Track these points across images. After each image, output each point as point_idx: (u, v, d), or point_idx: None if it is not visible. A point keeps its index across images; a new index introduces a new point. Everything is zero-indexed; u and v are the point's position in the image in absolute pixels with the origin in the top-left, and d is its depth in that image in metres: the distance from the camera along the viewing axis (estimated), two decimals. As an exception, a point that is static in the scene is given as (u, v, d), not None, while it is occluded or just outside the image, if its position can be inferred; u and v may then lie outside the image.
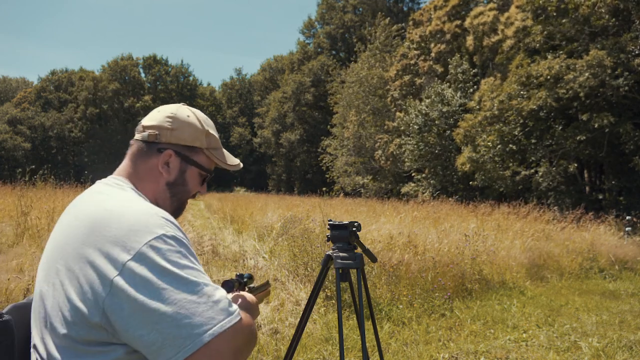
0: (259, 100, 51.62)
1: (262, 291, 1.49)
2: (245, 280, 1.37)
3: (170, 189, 1.18)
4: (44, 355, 0.97)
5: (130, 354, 0.92)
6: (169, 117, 1.18)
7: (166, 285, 0.88)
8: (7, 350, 1.03)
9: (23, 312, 1.16)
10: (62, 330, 0.93)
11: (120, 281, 0.88)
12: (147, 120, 1.20)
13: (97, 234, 0.94)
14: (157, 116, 1.19)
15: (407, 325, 4.28)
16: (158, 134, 1.16)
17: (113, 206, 1.00)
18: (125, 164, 1.19)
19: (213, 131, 1.25)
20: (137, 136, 1.19)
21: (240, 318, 0.93)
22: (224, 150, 1.31)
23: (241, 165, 1.35)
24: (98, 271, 0.91)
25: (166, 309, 0.86)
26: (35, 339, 1.01)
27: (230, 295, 1.23)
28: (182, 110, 1.22)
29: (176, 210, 1.22)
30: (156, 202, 1.15)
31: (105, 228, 0.94)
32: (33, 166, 10.52)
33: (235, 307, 0.94)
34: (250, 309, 1.20)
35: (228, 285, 1.30)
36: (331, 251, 2.03)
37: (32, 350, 1.01)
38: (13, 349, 1.03)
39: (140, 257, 0.89)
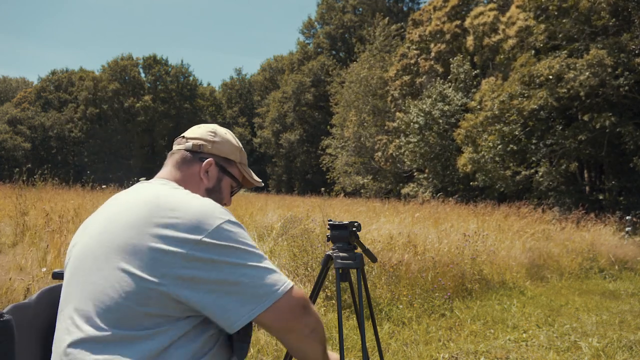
0: (259, 100, 51.62)
1: None
2: None
3: (208, 195, 1.29)
4: (85, 331, 1.00)
5: (185, 335, 1.02)
6: (210, 131, 1.36)
7: (240, 254, 1.03)
8: (7, 350, 1.03)
9: (23, 312, 1.17)
10: (119, 307, 0.99)
11: (197, 253, 0.99)
12: (190, 133, 1.36)
13: (164, 215, 1.03)
14: (199, 130, 1.36)
15: (407, 325, 4.28)
16: (202, 145, 1.32)
17: (176, 195, 1.11)
18: (168, 170, 1.31)
19: (243, 149, 1.44)
20: (180, 146, 1.34)
21: (292, 287, 1.07)
22: (249, 169, 1.48)
23: (262, 183, 1.52)
24: (170, 246, 0.99)
25: (243, 273, 1.01)
26: (70, 317, 1.04)
27: None
28: (220, 129, 1.40)
29: None
30: None
31: (173, 211, 1.04)
32: (29, 165, 10.51)
33: (286, 278, 1.09)
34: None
35: None
36: (331, 251, 2.03)
37: (59, 330, 1.06)
38: (13, 349, 1.03)
39: (215, 233, 1.02)
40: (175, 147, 1.35)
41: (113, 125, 47.93)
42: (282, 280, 1.05)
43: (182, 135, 1.37)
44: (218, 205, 1.10)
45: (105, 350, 0.98)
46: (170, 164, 1.31)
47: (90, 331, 0.99)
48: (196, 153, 1.31)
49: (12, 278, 3.74)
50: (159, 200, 1.07)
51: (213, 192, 1.32)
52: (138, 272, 0.99)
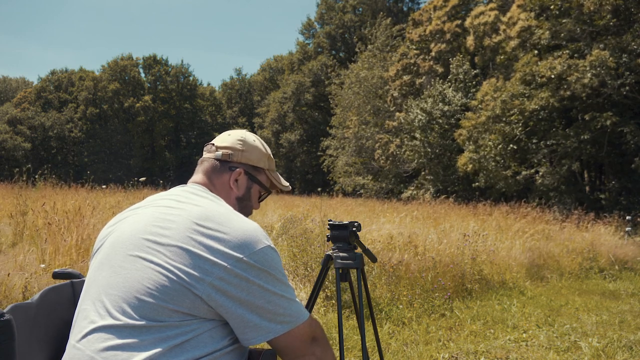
0: (259, 101, 51.56)
1: None
2: None
3: (239, 203, 1.36)
4: (116, 318, 1.04)
5: (209, 331, 1.08)
6: (240, 140, 1.38)
7: (271, 281, 1.09)
8: (8, 350, 1.03)
9: (25, 311, 1.17)
10: (150, 300, 1.03)
11: (236, 269, 1.05)
12: (219, 142, 1.39)
13: (212, 227, 1.09)
14: (229, 139, 1.39)
15: (407, 325, 4.28)
16: (231, 154, 1.35)
17: (223, 211, 1.16)
18: (200, 177, 1.35)
19: (272, 155, 1.47)
20: (209, 155, 1.37)
21: (310, 316, 1.17)
22: (277, 173, 1.51)
23: (290, 187, 1.55)
24: (214, 257, 1.05)
25: (262, 301, 1.08)
26: (100, 301, 1.07)
27: None
28: (249, 135, 1.43)
29: None
30: None
31: (222, 225, 1.10)
32: (29, 166, 10.51)
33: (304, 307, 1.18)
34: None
35: None
36: (331, 251, 2.04)
37: (84, 311, 1.09)
38: (14, 348, 1.03)
39: (255, 256, 1.08)
40: (205, 154, 1.38)
41: (113, 125, 47.88)
42: (301, 312, 1.14)
43: (211, 142, 1.40)
44: (261, 229, 1.16)
45: (131, 336, 1.02)
46: (201, 172, 1.35)
47: (122, 318, 1.03)
48: (226, 162, 1.35)
49: (11, 275, 3.74)
50: (207, 213, 1.13)
51: (243, 200, 1.37)
52: (179, 272, 1.04)
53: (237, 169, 1.34)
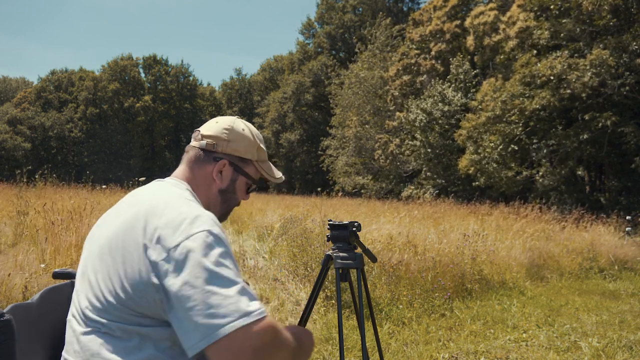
0: (259, 101, 51.56)
1: None
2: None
3: (221, 196, 1.29)
4: (82, 327, 1.06)
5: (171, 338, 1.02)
6: (226, 128, 1.30)
7: (203, 276, 0.94)
8: (8, 350, 1.03)
9: (25, 311, 1.17)
10: (115, 300, 1.02)
11: (165, 266, 0.97)
12: (205, 130, 1.31)
13: (152, 219, 1.04)
14: (215, 127, 1.30)
15: (407, 325, 4.28)
16: (215, 144, 1.27)
17: (169, 199, 1.10)
18: (182, 169, 1.29)
19: (263, 145, 1.38)
20: (195, 143, 1.30)
21: (264, 317, 0.95)
22: (270, 163, 1.42)
23: (283, 178, 1.45)
24: (151, 253, 0.99)
25: (198, 297, 0.93)
26: (76, 314, 1.09)
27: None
28: (238, 124, 1.33)
29: (223, 216, 1.34)
30: (207, 206, 1.25)
31: (160, 216, 1.04)
32: (30, 167, 10.51)
33: (261, 307, 0.96)
34: (298, 335, 1.13)
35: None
36: (331, 251, 2.04)
37: (71, 329, 1.10)
38: (14, 348, 1.04)
39: (184, 247, 0.97)
40: (192, 142, 1.31)
41: (113, 125, 47.90)
42: (239, 313, 0.91)
43: (199, 129, 1.33)
44: (206, 214, 1.06)
45: (100, 339, 1.03)
46: (185, 162, 1.30)
47: (90, 322, 1.05)
48: (210, 152, 1.27)
49: (11, 275, 3.74)
50: (151, 204, 1.08)
51: (227, 193, 1.30)
52: (124, 274, 1.02)
53: (222, 160, 1.27)
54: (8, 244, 6.06)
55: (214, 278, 0.94)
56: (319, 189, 14.34)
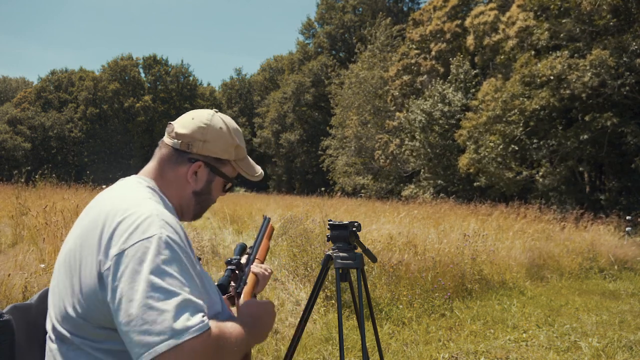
0: (259, 101, 51.56)
1: (265, 234, 1.46)
2: (236, 262, 1.28)
3: (196, 197, 1.22)
4: (55, 341, 1.03)
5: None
6: (202, 127, 1.19)
7: (141, 287, 0.88)
8: (8, 350, 1.03)
9: (24, 312, 1.16)
10: (74, 313, 0.99)
11: (108, 276, 0.93)
12: (180, 127, 1.19)
13: (104, 226, 0.99)
14: (191, 124, 1.19)
15: (407, 325, 4.28)
16: (190, 144, 1.17)
17: (123, 202, 1.04)
18: (153, 166, 1.21)
19: (241, 142, 1.28)
20: (168, 140, 1.20)
21: (205, 332, 0.89)
22: (249, 159, 1.33)
23: (262, 174, 1.37)
24: (96, 262, 0.96)
25: (134, 311, 0.87)
26: (48, 325, 1.07)
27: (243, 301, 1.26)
28: (216, 121, 1.22)
29: (197, 215, 1.27)
30: (180, 207, 1.20)
31: (110, 223, 0.99)
32: (29, 167, 10.52)
33: (201, 322, 0.90)
34: (257, 322, 1.13)
35: (222, 288, 1.26)
36: (331, 251, 2.03)
37: (47, 339, 1.07)
38: (13, 348, 1.03)
39: (129, 253, 0.92)
40: (165, 137, 1.22)
41: (113, 125, 47.91)
42: (174, 330, 0.86)
43: (172, 123, 1.22)
44: (157, 215, 1.00)
45: (69, 353, 1.01)
46: (156, 159, 1.21)
47: (58, 337, 1.03)
48: (184, 153, 1.18)
49: (11, 275, 3.73)
50: (102, 211, 1.03)
51: (201, 195, 1.22)
52: (80, 287, 0.99)
53: (197, 162, 1.18)
54: (8, 244, 6.06)
55: (152, 289, 0.88)
56: (319, 189, 14.34)
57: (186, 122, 1.20)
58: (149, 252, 0.92)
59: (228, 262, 1.26)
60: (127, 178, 1.20)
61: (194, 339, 0.87)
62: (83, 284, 0.97)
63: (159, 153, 1.21)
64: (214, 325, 0.94)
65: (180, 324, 0.87)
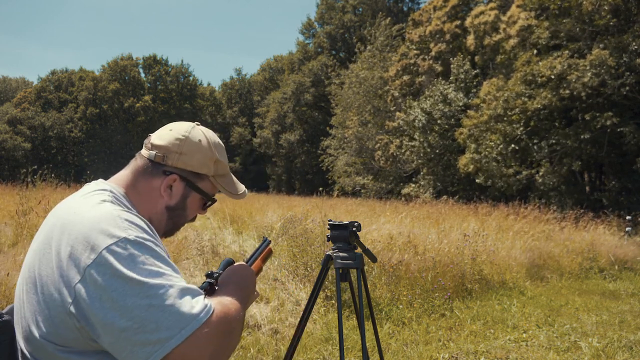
0: (259, 101, 51.57)
1: (261, 254, 1.38)
2: (216, 276, 1.15)
3: (168, 212, 1.15)
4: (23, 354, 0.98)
5: None
6: (179, 138, 1.14)
7: (124, 293, 0.85)
8: (7, 350, 1.03)
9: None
10: (37, 333, 0.93)
11: (81, 289, 0.87)
12: (156, 138, 1.15)
13: (64, 237, 0.94)
14: (167, 136, 1.14)
15: (407, 325, 4.28)
16: (165, 156, 1.12)
17: (82, 209, 0.99)
18: (125, 174, 1.14)
19: (222, 157, 1.22)
20: (144, 152, 1.15)
21: (209, 317, 0.88)
22: (232, 176, 1.28)
23: (246, 193, 1.30)
24: (64, 276, 0.90)
25: (123, 320, 0.84)
26: (20, 343, 1.01)
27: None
28: (195, 133, 1.17)
29: (169, 232, 1.19)
30: (150, 221, 1.11)
31: (70, 232, 0.94)
32: (35, 166, 10.52)
33: (204, 304, 0.89)
34: (241, 289, 1.11)
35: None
36: (331, 251, 2.03)
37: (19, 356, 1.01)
38: (13, 348, 1.03)
39: (99, 264, 0.87)
40: (143, 149, 1.17)
41: (113, 125, 47.95)
42: (178, 326, 0.85)
43: (151, 135, 1.18)
44: (119, 216, 0.95)
45: None
46: (130, 168, 1.15)
47: (23, 357, 0.98)
48: (159, 165, 1.12)
49: (10, 275, 3.74)
50: (63, 221, 0.98)
51: (175, 210, 1.15)
52: (42, 304, 0.93)
53: (172, 175, 1.12)
54: (8, 243, 6.07)
55: (140, 290, 0.85)
56: (319, 189, 14.34)
57: (163, 134, 1.16)
58: (127, 254, 0.88)
59: (208, 275, 1.15)
60: (91, 183, 1.14)
61: (205, 324, 0.87)
62: (47, 301, 0.92)
63: (134, 163, 1.15)
64: (214, 302, 0.93)
65: (187, 310, 0.86)
